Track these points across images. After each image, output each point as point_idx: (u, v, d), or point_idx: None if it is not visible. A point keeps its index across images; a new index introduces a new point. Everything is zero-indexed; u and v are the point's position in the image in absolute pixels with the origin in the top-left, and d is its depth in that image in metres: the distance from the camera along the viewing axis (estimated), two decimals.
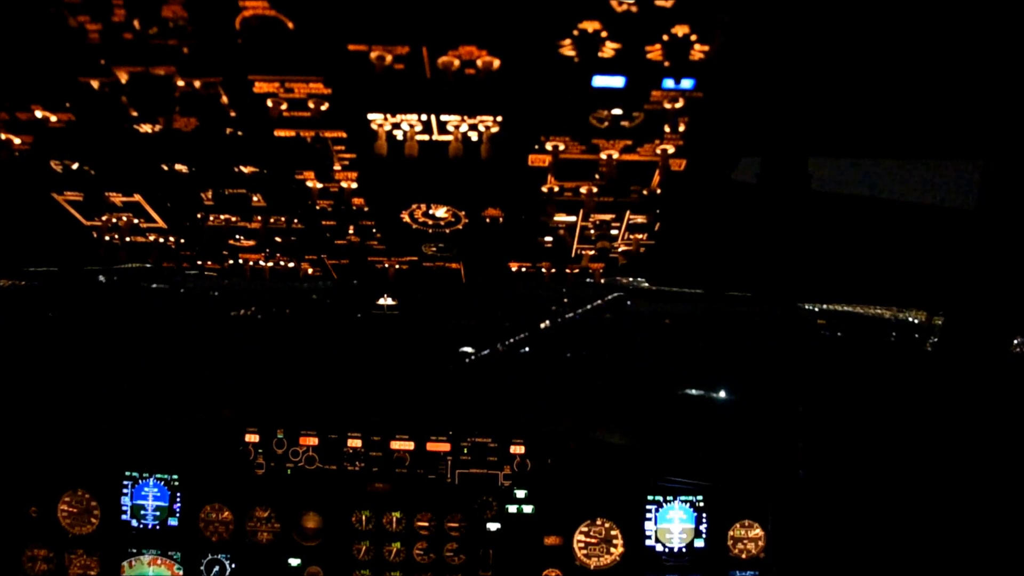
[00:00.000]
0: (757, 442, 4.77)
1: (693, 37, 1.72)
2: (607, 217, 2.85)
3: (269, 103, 2.09)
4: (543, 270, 3.46)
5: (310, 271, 3.58)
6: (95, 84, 2.00)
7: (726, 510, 4.37)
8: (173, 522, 4.35)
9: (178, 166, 2.55)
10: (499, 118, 2.14)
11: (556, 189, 2.61)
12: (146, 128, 2.27)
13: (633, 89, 1.96)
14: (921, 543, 3.98)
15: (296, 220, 2.98)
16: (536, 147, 2.33)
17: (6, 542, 4.29)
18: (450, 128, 2.20)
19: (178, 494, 4.36)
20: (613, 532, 4.36)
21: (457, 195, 2.75)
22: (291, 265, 3.48)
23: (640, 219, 2.87)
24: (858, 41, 1.92)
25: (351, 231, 3.07)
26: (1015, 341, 3.77)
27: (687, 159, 2.37)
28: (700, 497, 4.37)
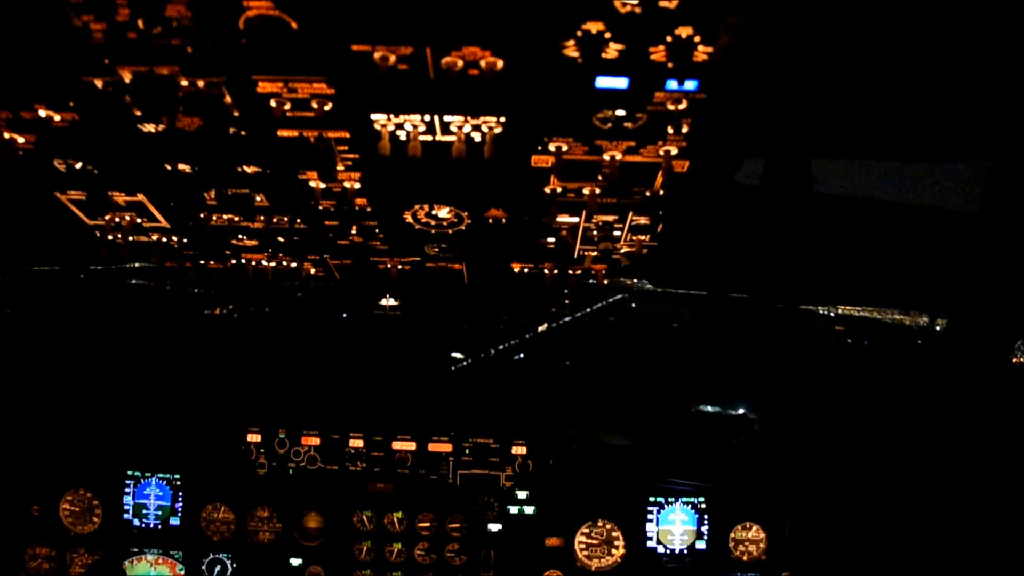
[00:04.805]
0: (759, 444, 4.77)
1: (697, 38, 1.72)
2: (610, 218, 2.85)
3: (272, 103, 2.09)
4: (546, 271, 3.46)
5: (312, 271, 3.58)
6: (99, 83, 2.00)
7: (727, 512, 4.36)
8: (175, 521, 4.35)
9: (181, 166, 2.55)
10: (502, 119, 2.14)
11: (559, 190, 2.61)
12: (150, 128, 2.28)
13: (636, 90, 1.96)
14: (923, 545, 3.97)
15: (299, 220, 2.98)
16: (539, 148, 2.33)
17: (8, 541, 4.30)
18: (453, 129, 2.20)
19: (180, 493, 4.36)
20: (614, 533, 4.36)
21: (460, 196, 2.75)
22: (294, 265, 3.48)
23: (643, 220, 2.87)
24: (862, 42, 1.91)
25: (354, 231, 3.07)
26: (1017, 344, 3.75)
27: (690, 160, 2.37)
28: (701, 499, 4.36)
